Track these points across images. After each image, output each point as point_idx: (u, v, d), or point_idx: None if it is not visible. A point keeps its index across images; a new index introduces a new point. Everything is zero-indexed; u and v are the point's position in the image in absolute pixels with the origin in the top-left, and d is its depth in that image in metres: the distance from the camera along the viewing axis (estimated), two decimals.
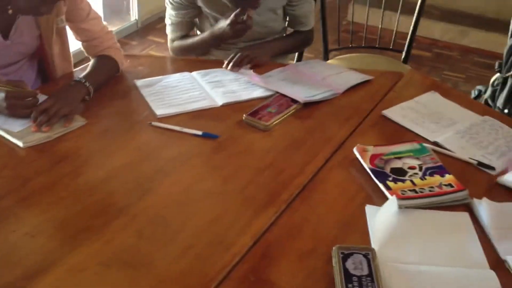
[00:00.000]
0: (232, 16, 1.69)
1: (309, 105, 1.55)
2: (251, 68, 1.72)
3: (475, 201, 1.19)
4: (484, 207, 1.16)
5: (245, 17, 1.68)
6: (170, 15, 1.89)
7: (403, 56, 2.41)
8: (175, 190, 1.21)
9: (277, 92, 1.57)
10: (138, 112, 1.49)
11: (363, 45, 2.49)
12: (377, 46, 2.48)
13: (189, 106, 1.50)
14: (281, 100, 1.54)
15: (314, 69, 1.76)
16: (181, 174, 1.26)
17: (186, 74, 1.67)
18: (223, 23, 1.74)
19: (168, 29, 1.93)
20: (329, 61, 2.37)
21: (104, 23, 1.67)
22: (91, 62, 1.61)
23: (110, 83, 1.60)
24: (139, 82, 1.60)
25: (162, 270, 1.01)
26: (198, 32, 1.96)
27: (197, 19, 1.92)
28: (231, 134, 1.41)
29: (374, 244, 1.09)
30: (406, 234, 1.13)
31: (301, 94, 1.56)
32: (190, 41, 1.91)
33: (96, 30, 1.62)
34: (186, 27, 1.92)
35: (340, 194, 1.23)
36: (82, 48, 1.67)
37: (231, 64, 1.70)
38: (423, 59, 3.90)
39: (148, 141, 1.38)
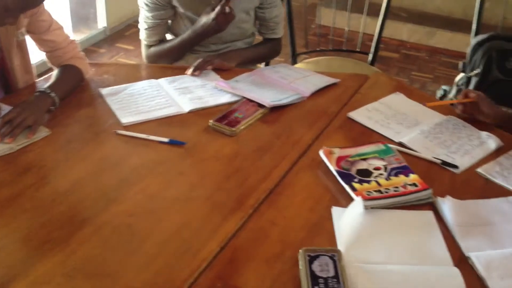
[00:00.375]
0: (218, 7, 1.71)
1: (276, 109, 1.56)
2: (217, 74, 1.72)
3: (439, 199, 1.21)
4: (447, 205, 1.18)
5: (227, 9, 1.72)
6: (145, 18, 1.86)
7: (370, 58, 2.44)
8: (141, 199, 1.20)
9: (244, 97, 1.58)
10: (103, 121, 1.47)
11: (330, 48, 2.51)
12: (344, 49, 2.51)
13: (155, 113, 1.49)
14: (248, 105, 1.54)
15: (280, 73, 1.77)
16: (147, 182, 1.25)
17: (152, 81, 1.66)
18: (206, 19, 1.75)
19: (143, 34, 1.90)
20: (297, 65, 2.39)
21: (67, 32, 1.65)
22: (54, 72, 1.59)
23: (74, 92, 1.58)
24: (104, 91, 1.59)
25: (128, 279, 1.00)
26: (170, 37, 1.95)
27: (169, 21, 1.92)
28: (198, 140, 1.41)
29: (341, 245, 1.10)
30: (372, 234, 1.14)
31: (268, 98, 1.57)
32: (168, 45, 1.90)
33: (59, 41, 1.60)
34: (163, 31, 1.91)
35: (307, 197, 1.24)
36: (45, 59, 1.65)
37: (191, 69, 1.71)
38: (392, 61, 3.95)
39: (113, 150, 1.37)
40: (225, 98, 1.59)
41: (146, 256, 1.05)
